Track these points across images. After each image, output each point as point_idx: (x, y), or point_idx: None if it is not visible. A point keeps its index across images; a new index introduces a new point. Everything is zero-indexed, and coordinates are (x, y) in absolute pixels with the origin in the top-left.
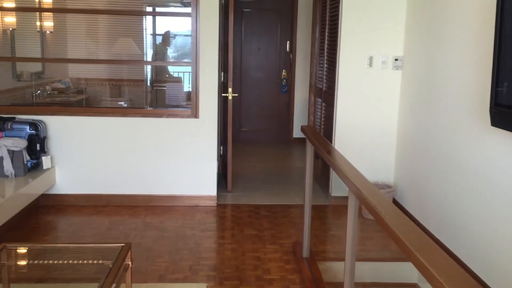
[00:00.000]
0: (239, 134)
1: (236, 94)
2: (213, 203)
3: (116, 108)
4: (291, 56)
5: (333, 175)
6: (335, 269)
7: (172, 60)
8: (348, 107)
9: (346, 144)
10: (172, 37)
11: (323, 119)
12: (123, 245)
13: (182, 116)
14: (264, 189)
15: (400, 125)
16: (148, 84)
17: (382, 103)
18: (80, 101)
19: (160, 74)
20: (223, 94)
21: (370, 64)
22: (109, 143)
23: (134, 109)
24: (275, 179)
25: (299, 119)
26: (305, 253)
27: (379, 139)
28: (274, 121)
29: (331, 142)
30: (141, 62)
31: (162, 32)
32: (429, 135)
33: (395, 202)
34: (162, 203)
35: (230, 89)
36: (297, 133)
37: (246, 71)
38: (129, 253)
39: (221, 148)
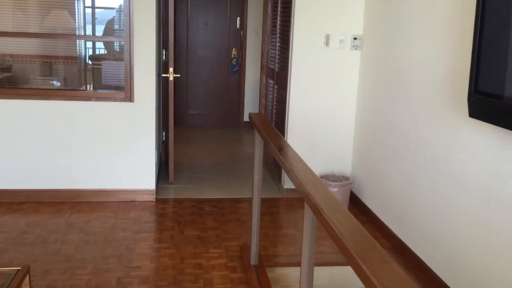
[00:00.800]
0: (186, 118)
1: (178, 75)
2: (152, 197)
3: (37, 90)
4: (241, 34)
5: None
6: (288, 277)
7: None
8: (302, 90)
9: (299, 130)
10: (108, 9)
11: (275, 102)
12: (18, 269)
13: (115, 99)
14: (210, 180)
15: (358, 110)
16: (88, 61)
17: (340, 87)
18: (2, 80)
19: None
20: (163, 75)
21: (327, 44)
22: (29, 130)
23: (57, 91)
24: (224, 168)
25: (251, 101)
26: (253, 261)
27: (336, 125)
28: (223, 103)
29: (283, 127)
30: (70, 36)
31: (102, 5)
32: (390, 122)
33: (352, 195)
34: (90, 199)
35: (171, 69)
36: (248, 116)
37: (193, 49)
38: (27, 278)
39: (163, 134)
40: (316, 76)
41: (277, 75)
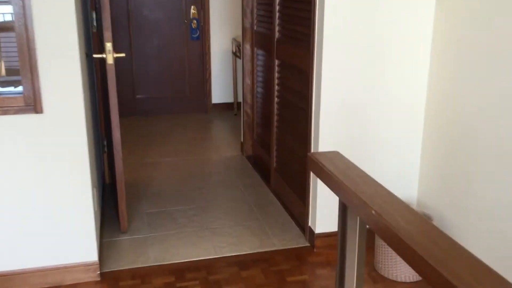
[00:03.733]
0: (134, 105)
1: (123, 54)
2: (93, 275)
3: None
4: None
5: (317, 200)
6: None
7: None
8: (340, 69)
9: (334, 136)
10: None
11: (277, 86)
12: None
13: (7, 111)
14: (188, 215)
15: (432, 102)
16: None
17: (401, 63)
18: None
19: None
20: (95, 56)
21: None
22: None
23: None
24: (204, 186)
25: (220, 78)
26: None
27: (393, 124)
28: (183, 82)
29: (305, 130)
30: None
31: None
32: (491, 122)
33: None
34: None
35: (108, 45)
36: (218, 97)
37: (137, 10)
38: None
39: (105, 143)
40: (366, 46)
41: (279, 44)
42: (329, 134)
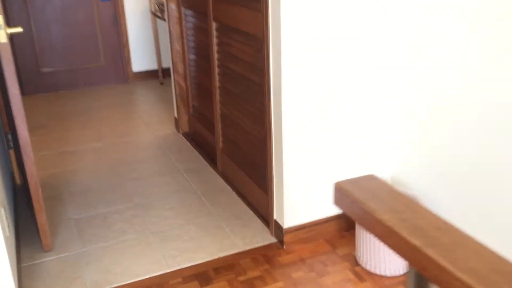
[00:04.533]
0: (39, 81)
1: (20, 29)
2: None
3: None
4: None
5: (284, 193)
6: None
7: None
8: (301, 31)
9: (294, 116)
10: None
11: (217, 54)
12: None
13: None
14: (125, 216)
15: (405, 72)
16: None
17: (377, 24)
18: None
19: None
20: None
21: None
22: None
23: None
24: (140, 177)
25: (140, 42)
26: None
27: (369, 98)
28: (96, 49)
29: (262, 106)
30: None
31: None
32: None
33: None
34: None
35: None
36: (139, 64)
37: None
38: None
39: (10, 137)
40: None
41: (216, 3)
42: (292, 113)
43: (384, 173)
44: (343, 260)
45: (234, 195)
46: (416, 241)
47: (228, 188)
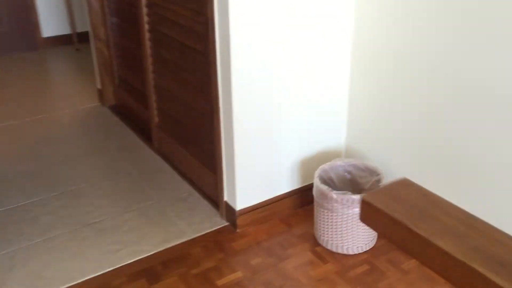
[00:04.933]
0: None
1: None
2: None
3: None
4: None
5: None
6: None
7: None
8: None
9: (243, 88)
10: None
11: (147, 17)
12: None
13: None
14: (52, 207)
15: (356, 39)
16: None
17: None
18: None
19: None
20: None
21: None
22: None
23: None
24: (64, 159)
25: (50, 4)
26: None
27: (318, 68)
28: None
29: (208, 87)
30: None
31: None
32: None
33: None
34: None
35: None
36: (50, 29)
37: None
38: None
39: None
40: None
41: None
42: (242, 85)
43: (338, 145)
44: (302, 241)
45: (175, 175)
46: (499, 280)
47: (167, 167)
